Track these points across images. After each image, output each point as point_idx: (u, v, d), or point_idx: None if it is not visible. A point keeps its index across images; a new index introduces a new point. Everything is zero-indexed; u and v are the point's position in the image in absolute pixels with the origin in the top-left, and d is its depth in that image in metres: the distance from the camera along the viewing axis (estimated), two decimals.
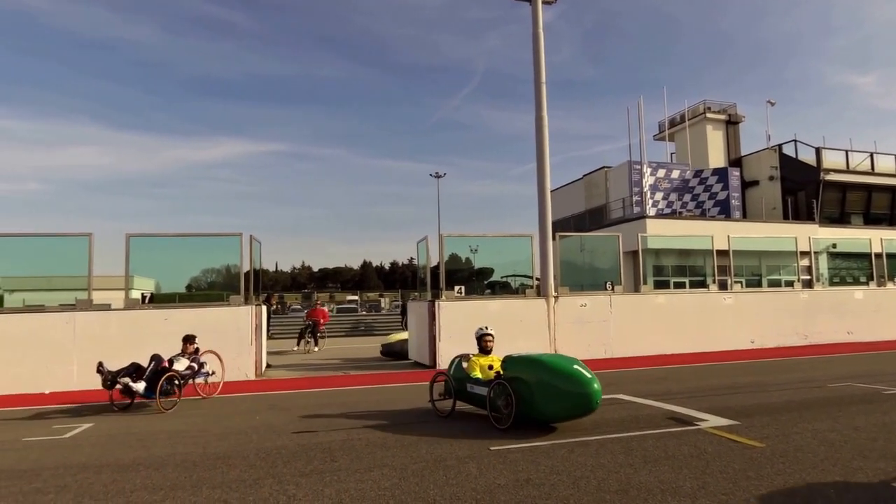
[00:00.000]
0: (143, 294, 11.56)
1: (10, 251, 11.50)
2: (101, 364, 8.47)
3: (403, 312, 37.16)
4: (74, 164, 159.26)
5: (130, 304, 11.43)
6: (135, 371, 8.59)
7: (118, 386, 8.37)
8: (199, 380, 9.58)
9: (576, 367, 6.68)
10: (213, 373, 9.83)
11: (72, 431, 7.28)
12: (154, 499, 4.64)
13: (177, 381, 8.86)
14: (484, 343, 7.88)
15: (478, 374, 7.52)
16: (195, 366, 9.43)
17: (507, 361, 7.31)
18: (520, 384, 6.76)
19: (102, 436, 6.95)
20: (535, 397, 6.61)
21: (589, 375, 6.53)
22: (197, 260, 13.41)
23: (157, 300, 12.11)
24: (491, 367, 7.47)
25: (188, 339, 9.62)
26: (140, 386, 8.39)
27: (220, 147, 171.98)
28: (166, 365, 8.85)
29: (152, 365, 8.68)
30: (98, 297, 11.34)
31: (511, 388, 6.71)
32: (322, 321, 19.77)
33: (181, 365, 9.17)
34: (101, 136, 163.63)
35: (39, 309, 11.61)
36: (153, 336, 11.04)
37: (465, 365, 7.80)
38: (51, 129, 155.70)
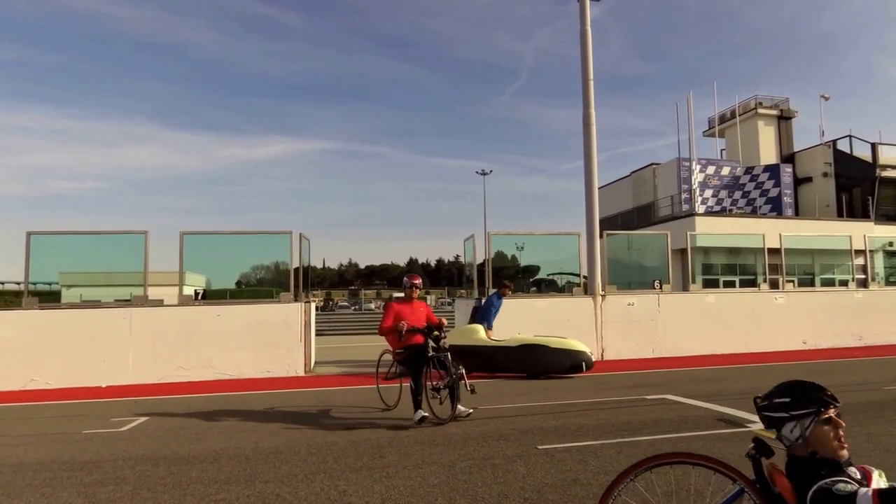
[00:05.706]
0: (196, 290, 11.90)
1: (69, 247, 11.98)
2: None
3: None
4: (132, 163, 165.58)
5: (184, 301, 11.77)
6: None
7: None
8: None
9: None
10: None
11: (129, 425, 7.54)
12: (209, 491, 4.76)
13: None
14: None
15: None
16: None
17: None
18: None
19: (158, 429, 7.17)
20: None
21: None
22: (247, 257, 13.70)
23: (207, 296, 12.44)
24: None
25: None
26: None
27: (274, 146, 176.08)
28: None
29: None
30: (152, 292, 11.72)
31: None
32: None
33: None
34: (158, 136, 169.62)
35: (97, 304, 12.05)
36: (206, 332, 11.46)
37: None
38: (109, 129, 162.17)
